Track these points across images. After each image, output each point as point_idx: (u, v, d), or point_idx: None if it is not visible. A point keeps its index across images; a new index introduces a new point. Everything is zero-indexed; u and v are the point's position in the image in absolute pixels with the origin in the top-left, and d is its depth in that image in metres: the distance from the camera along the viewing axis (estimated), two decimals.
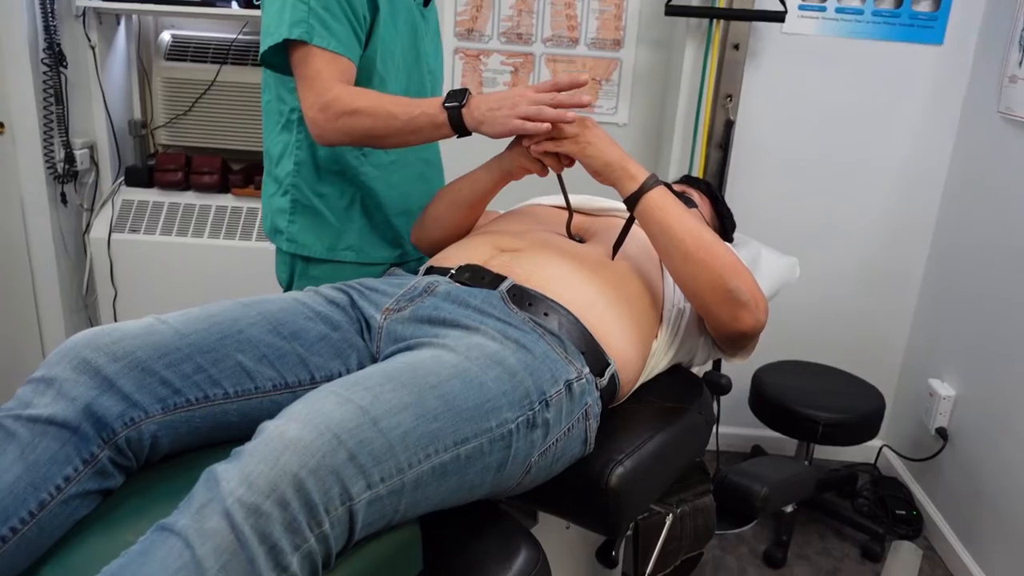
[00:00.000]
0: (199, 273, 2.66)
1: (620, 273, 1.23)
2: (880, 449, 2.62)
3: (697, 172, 2.41)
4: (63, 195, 2.58)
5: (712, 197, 1.70)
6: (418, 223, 1.45)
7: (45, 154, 2.49)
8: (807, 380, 2.31)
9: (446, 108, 1.22)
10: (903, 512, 2.32)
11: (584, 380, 1.03)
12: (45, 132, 2.48)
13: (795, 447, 2.36)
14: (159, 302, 2.71)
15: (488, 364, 0.91)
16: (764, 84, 2.39)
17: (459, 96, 1.22)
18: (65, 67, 2.51)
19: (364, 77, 1.41)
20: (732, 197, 2.46)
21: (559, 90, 1.18)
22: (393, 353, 0.98)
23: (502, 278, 1.12)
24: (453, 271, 1.15)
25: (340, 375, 1.00)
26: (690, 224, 1.16)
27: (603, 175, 1.18)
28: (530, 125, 1.14)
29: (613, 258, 1.25)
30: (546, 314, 1.08)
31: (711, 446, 2.71)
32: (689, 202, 1.61)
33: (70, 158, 2.56)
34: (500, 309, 1.04)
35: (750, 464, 1.67)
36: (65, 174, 2.56)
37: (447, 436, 0.81)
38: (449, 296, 1.06)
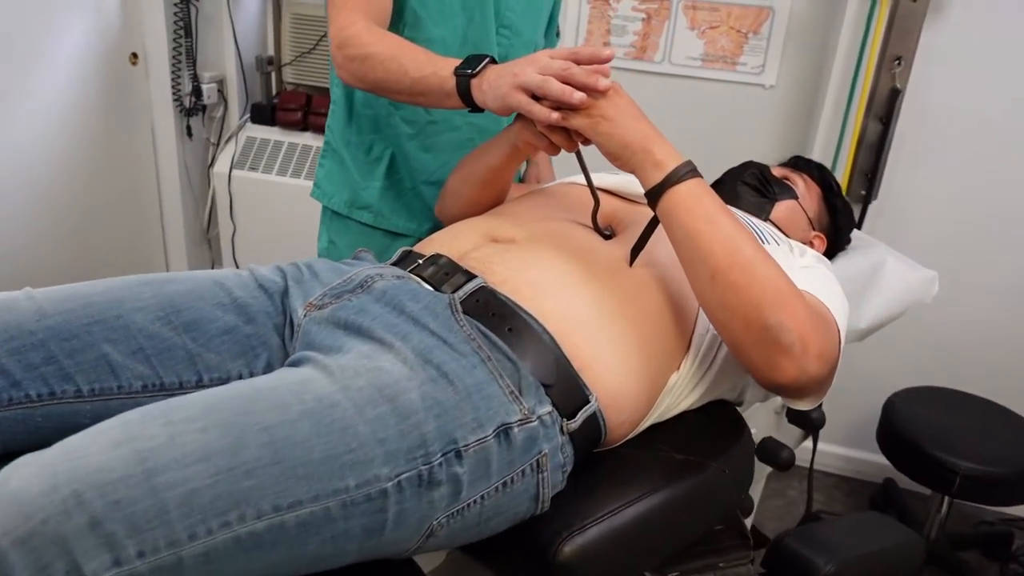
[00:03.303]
0: (313, 216, 2.63)
1: (636, 283, 0.97)
2: None
3: (847, 151, 2.01)
4: (189, 128, 2.62)
5: (824, 186, 1.36)
6: (440, 195, 1.26)
7: (173, 87, 2.52)
8: (952, 415, 1.89)
9: (456, 75, 1.01)
10: None
11: (536, 423, 0.81)
12: (174, 65, 2.50)
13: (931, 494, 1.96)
14: (273, 242, 2.71)
15: (372, 400, 0.71)
16: (948, 44, 1.93)
17: (475, 63, 1.01)
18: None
19: (397, 14, 1.22)
20: (890, 183, 2.04)
21: (577, 62, 0.93)
22: (288, 365, 0.80)
23: (470, 278, 0.91)
24: (420, 262, 0.95)
25: (240, 378, 0.84)
26: (727, 232, 0.88)
27: (621, 159, 0.92)
28: (531, 105, 0.92)
29: (632, 264, 0.99)
30: (510, 330, 0.86)
31: (825, 468, 2.34)
32: (786, 190, 1.29)
33: (197, 92, 2.58)
34: (441, 321, 0.83)
35: (825, 526, 1.36)
36: (192, 108, 2.59)
37: (264, 498, 0.62)
38: (384, 296, 0.86)
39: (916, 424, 1.83)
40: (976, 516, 2.14)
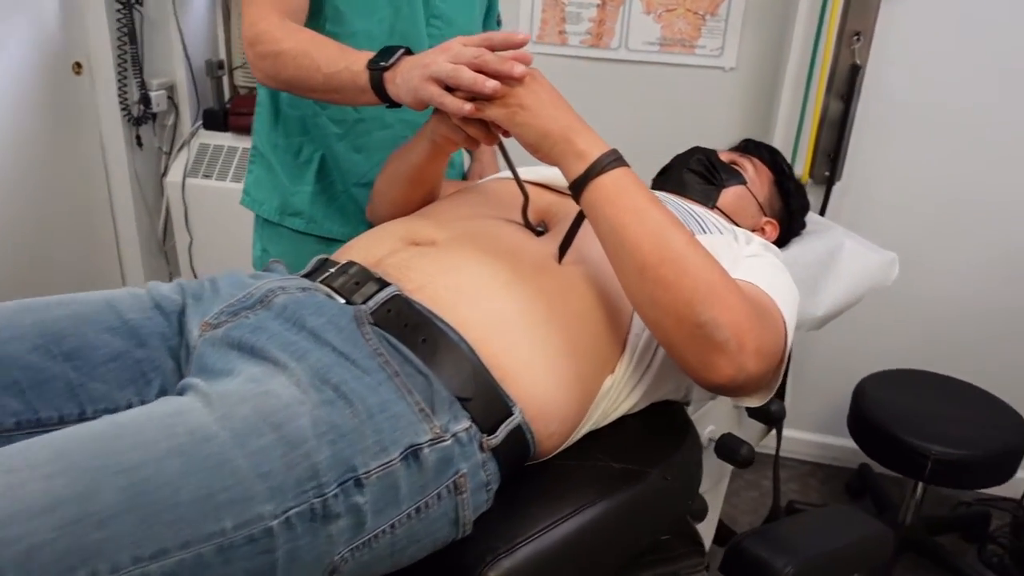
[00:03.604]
0: None
1: (566, 282, 0.92)
2: None
3: (810, 130, 1.96)
4: (138, 138, 2.54)
5: (775, 170, 1.30)
6: (370, 197, 1.20)
7: (120, 96, 2.44)
8: (923, 398, 1.84)
9: (369, 69, 0.95)
10: None
11: (450, 442, 0.75)
12: (120, 73, 2.43)
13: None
14: (231, 251, 2.64)
15: (255, 429, 0.65)
16: (908, 18, 1.87)
17: (388, 54, 0.95)
18: (140, 4, 2.43)
19: (316, 8, 1.17)
20: (854, 163, 1.99)
21: (491, 48, 0.88)
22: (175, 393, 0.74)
23: (383, 286, 0.85)
24: (331, 271, 0.89)
25: (131, 407, 0.78)
26: (654, 224, 0.82)
27: (542, 151, 0.87)
28: (443, 97, 0.86)
29: (560, 261, 0.93)
30: (424, 341, 0.80)
31: (800, 456, 2.29)
32: (734, 176, 1.23)
33: (146, 100, 2.51)
34: (345, 335, 0.77)
35: (787, 524, 1.31)
36: (141, 116, 2.52)
37: (121, 549, 0.56)
38: (284, 312, 0.80)
39: (886, 409, 1.78)
40: (954, 498, 2.10)
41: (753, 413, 1.37)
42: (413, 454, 0.72)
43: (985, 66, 1.87)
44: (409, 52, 0.96)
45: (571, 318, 0.89)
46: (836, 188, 2.02)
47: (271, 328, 0.77)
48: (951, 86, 1.90)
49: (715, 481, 1.40)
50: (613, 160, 0.84)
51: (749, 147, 1.34)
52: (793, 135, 1.98)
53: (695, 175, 1.23)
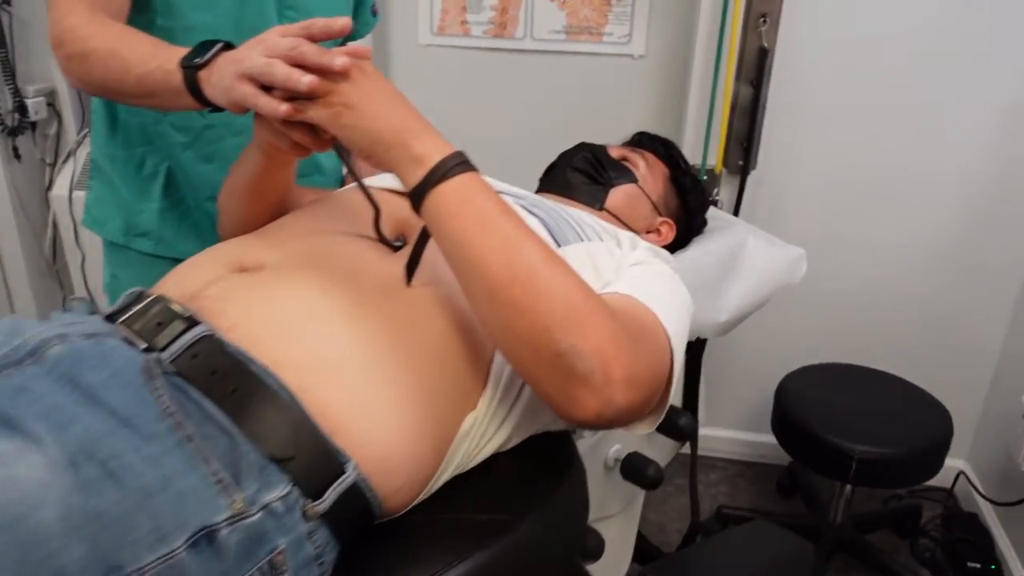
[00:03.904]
0: None
1: (416, 307, 0.80)
2: (958, 476, 2.04)
3: (720, 117, 1.87)
4: (16, 150, 2.34)
5: (670, 164, 1.20)
6: (218, 213, 1.06)
7: None
8: (846, 393, 1.77)
9: (182, 67, 0.81)
10: (978, 565, 1.78)
11: (258, 516, 0.63)
12: None
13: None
14: None
15: None
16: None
17: (204, 49, 0.81)
18: (8, 4, 2.23)
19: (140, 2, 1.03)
20: (768, 151, 1.91)
21: (311, 37, 0.75)
22: None
23: (191, 325, 0.72)
24: (136, 309, 0.76)
25: None
26: (504, 238, 0.71)
27: (374, 157, 0.75)
28: (257, 97, 0.73)
29: (409, 283, 0.81)
30: (234, 391, 0.67)
31: (728, 455, 2.22)
32: (623, 173, 1.13)
33: (22, 108, 2.31)
34: (130, 393, 0.64)
35: (695, 550, 1.22)
36: (17, 126, 2.32)
37: None
38: (58, 367, 0.66)
39: (808, 408, 1.71)
40: (885, 492, 2.04)
41: (662, 428, 1.27)
42: (206, 537, 0.59)
43: (896, 45, 1.80)
44: (229, 46, 0.82)
45: (422, 350, 0.77)
46: (751, 178, 1.94)
47: (37, 389, 0.64)
48: (862, 67, 1.84)
49: (626, 503, 1.30)
50: (457, 164, 0.73)
51: (643, 141, 1.24)
52: (704, 123, 1.89)
53: (580, 174, 1.12)
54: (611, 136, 2.11)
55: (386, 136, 0.73)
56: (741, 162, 1.92)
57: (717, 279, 1.18)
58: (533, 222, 0.88)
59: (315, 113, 0.74)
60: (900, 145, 1.88)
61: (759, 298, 1.22)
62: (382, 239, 0.88)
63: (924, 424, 1.68)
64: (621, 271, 0.92)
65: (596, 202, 1.10)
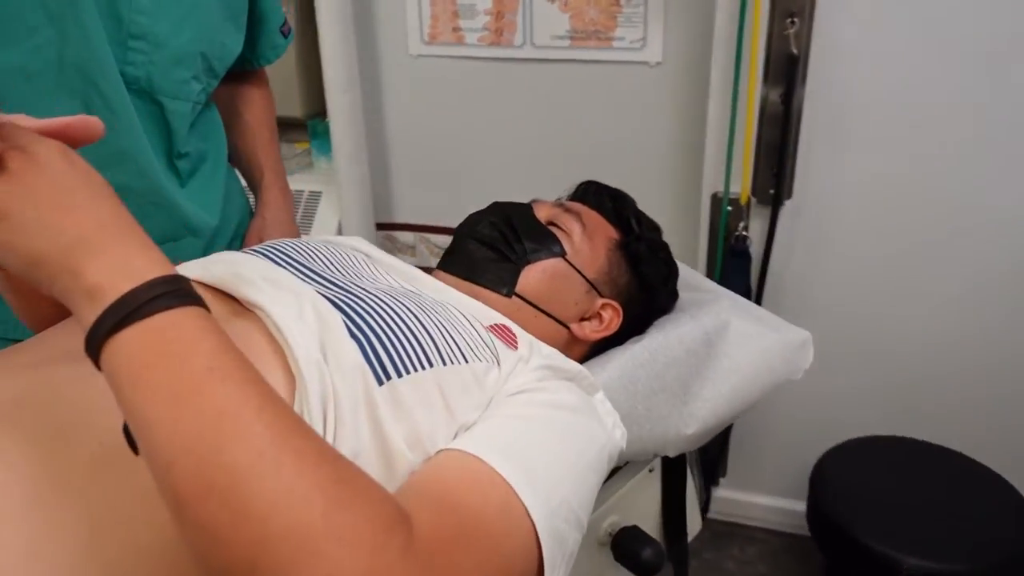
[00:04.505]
0: None
1: (138, 488, 0.55)
2: None
3: (743, 139, 1.55)
4: None
5: (621, 227, 0.92)
6: None
7: None
8: (901, 480, 1.42)
9: None
10: None
11: None
12: None
13: None
14: None
15: None
16: None
17: None
18: None
19: None
20: (806, 177, 1.58)
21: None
22: None
23: None
24: None
25: None
26: (199, 424, 0.45)
27: (42, 286, 0.50)
28: None
29: (137, 451, 0.56)
30: None
31: (771, 526, 1.89)
32: (546, 243, 0.86)
33: None
34: None
35: None
36: None
37: None
38: None
39: (848, 501, 1.37)
40: None
41: (620, 558, 0.99)
42: None
43: (964, 48, 1.44)
44: None
45: (150, 543, 0.53)
46: (785, 209, 1.60)
47: None
48: (918, 75, 1.48)
49: None
50: (155, 299, 0.47)
51: (587, 195, 0.95)
52: (725, 143, 1.57)
53: (485, 248, 0.85)
54: (626, 156, 1.83)
55: (50, 258, 0.48)
56: (772, 190, 1.59)
57: (685, 377, 0.89)
58: (349, 347, 0.62)
59: None
60: (970, 171, 1.51)
61: (743, 401, 0.92)
62: None
63: (1000, 525, 1.32)
64: (496, 404, 0.65)
65: (503, 286, 0.82)
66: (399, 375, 0.62)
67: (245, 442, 0.45)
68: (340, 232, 2.01)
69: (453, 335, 0.67)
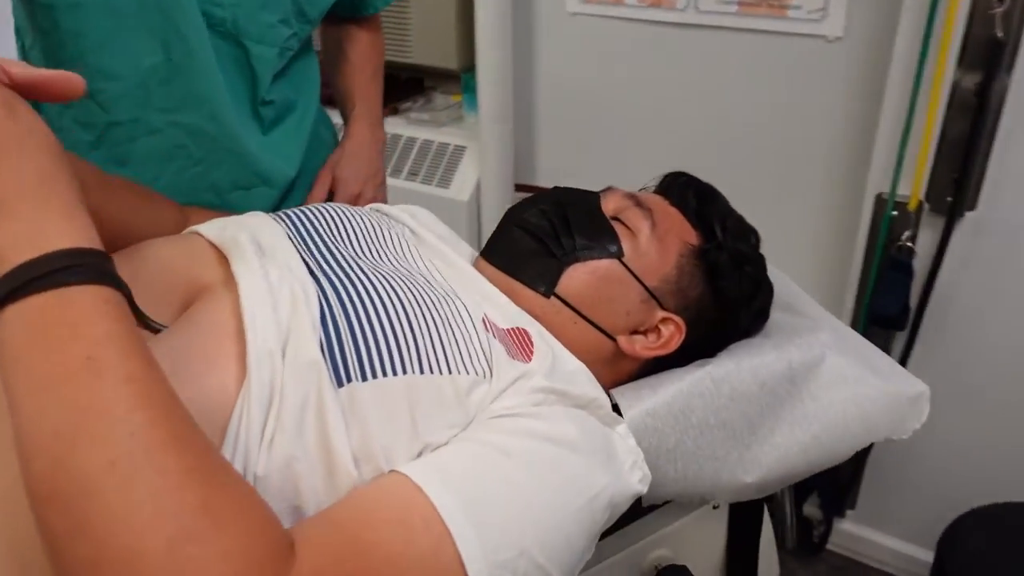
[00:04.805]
0: None
1: None
2: None
3: (920, 132, 1.31)
4: None
5: (702, 229, 0.79)
6: None
7: None
8: None
9: None
10: None
11: None
12: None
13: None
14: None
15: None
16: None
17: None
18: None
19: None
20: (996, 185, 1.33)
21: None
22: None
23: None
24: None
25: None
26: (59, 421, 0.41)
27: None
28: None
29: None
30: None
31: (887, 569, 1.67)
32: (600, 243, 0.75)
33: None
34: None
35: None
36: None
37: None
38: None
39: (979, 572, 1.16)
40: None
41: None
42: None
43: None
44: None
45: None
46: (965, 220, 1.36)
47: None
48: None
49: None
50: (51, 272, 0.43)
51: (671, 188, 0.82)
52: (899, 137, 1.35)
53: (529, 238, 0.75)
54: (778, 141, 1.62)
55: None
56: (951, 198, 1.35)
57: (753, 416, 0.75)
58: (311, 341, 0.55)
59: None
60: None
61: (825, 455, 0.76)
62: (141, 319, 0.60)
63: None
64: (475, 426, 0.57)
65: (542, 284, 0.72)
66: (363, 378, 0.55)
67: (100, 448, 0.40)
68: (479, 191, 1.97)
69: (443, 339, 0.59)
